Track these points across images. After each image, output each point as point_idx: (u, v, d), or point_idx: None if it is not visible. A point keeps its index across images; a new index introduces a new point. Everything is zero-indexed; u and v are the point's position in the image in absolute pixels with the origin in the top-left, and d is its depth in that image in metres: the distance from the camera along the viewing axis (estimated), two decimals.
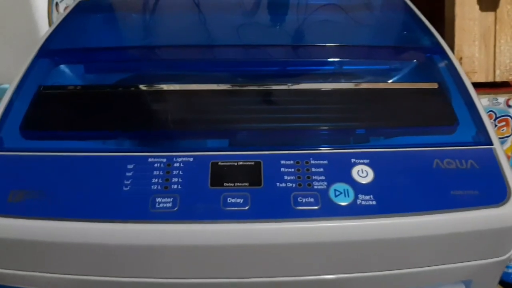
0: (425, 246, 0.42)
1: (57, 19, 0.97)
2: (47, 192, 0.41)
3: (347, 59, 0.58)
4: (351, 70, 0.58)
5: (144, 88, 0.51)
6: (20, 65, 0.55)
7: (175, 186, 0.42)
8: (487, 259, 0.44)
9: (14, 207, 0.41)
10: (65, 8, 1.04)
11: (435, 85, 0.53)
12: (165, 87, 0.51)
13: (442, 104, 0.51)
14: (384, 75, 0.58)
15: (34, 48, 0.57)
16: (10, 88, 0.51)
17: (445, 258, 0.43)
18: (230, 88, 0.51)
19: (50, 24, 0.99)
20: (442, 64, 0.57)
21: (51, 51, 0.57)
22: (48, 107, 0.49)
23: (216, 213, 0.40)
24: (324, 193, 0.42)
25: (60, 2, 1.04)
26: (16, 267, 0.42)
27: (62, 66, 0.55)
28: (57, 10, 1.02)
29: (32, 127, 0.47)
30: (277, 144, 0.46)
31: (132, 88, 0.51)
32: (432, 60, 0.58)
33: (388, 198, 0.42)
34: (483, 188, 0.42)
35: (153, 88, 0.51)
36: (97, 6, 0.69)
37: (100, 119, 0.48)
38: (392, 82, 0.57)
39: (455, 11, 0.78)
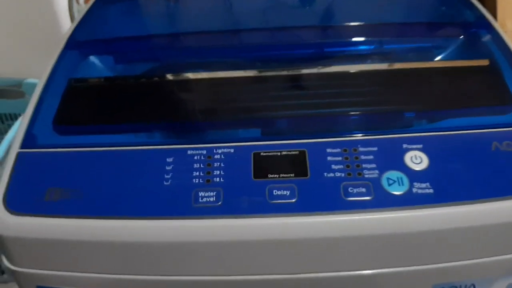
0: (489, 236, 0.39)
1: (79, 11, 0.96)
2: (85, 189, 0.40)
3: (388, 38, 0.54)
4: (393, 50, 0.55)
5: (179, 78, 0.49)
6: (43, 58, 0.54)
7: (217, 179, 0.40)
8: None
9: (52, 206, 0.39)
10: (86, 0, 1.02)
11: (485, 62, 0.50)
12: (201, 75, 0.49)
13: (495, 82, 0.47)
14: (428, 54, 0.55)
15: (57, 41, 0.56)
16: (40, 83, 0.50)
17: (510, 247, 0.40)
18: (269, 74, 0.48)
19: (71, 16, 0.97)
20: (490, 39, 0.53)
21: (79, 42, 0.55)
22: (80, 100, 0.48)
23: (262, 206, 0.38)
24: (376, 182, 0.39)
25: None
26: (56, 267, 0.41)
27: (92, 58, 0.53)
28: (77, 2, 1.01)
29: (65, 122, 0.46)
30: (321, 131, 0.43)
31: (166, 78, 0.49)
32: (479, 35, 0.54)
33: (446, 186, 0.39)
34: None
35: (188, 77, 0.49)
36: None
37: (134, 111, 0.46)
38: (439, 61, 0.53)
39: None
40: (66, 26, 0.96)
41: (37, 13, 0.96)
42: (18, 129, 0.46)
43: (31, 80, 0.91)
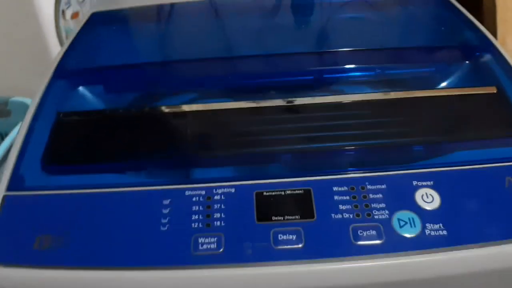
0: (507, 279, 0.37)
1: (66, 27, 0.93)
2: (77, 237, 0.37)
3: (392, 66, 0.52)
4: (397, 78, 0.53)
5: (177, 111, 0.46)
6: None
7: (218, 223, 0.37)
8: None
9: (41, 256, 0.36)
10: (73, 15, 1.00)
11: (493, 89, 0.48)
12: (200, 108, 0.46)
13: (505, 110, 0.46)
14: (432, 81, 0.53)
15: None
16: (27, 117, 0.47)
17: None
18: (270, 106, 0.46)
19: (57, 32, 0.95)
20: (495, 63, 0.52)
21: (69, 70, 0.52)
22: (70, 136, 0.45)
23: (267, 253, 0.36)
24: (387, 223, 0.37)
25: (67, 8, 1.00)
26: None
27: (82, 88, 0.51)
28: (64, 17, 0.98)
29: (54, 161, 0.43)
30: (326, 167, 0.41)
31: (163, 111, 0.46)
32: (483, 59, 0.53)
33: (460, 226, 0.37)
34: None
35: (186, 110, 0.46)
36: (112, 18, 0.64)
37: (128, 148, 0.43)
38: (444, 88, 0.51)
39: (496, 1, 0.72)
40: (53, 42, 0.93)
41: (22, 30, 0.93)
42: (4, 169, 0.43)
43: (17, 98, 0.88)
